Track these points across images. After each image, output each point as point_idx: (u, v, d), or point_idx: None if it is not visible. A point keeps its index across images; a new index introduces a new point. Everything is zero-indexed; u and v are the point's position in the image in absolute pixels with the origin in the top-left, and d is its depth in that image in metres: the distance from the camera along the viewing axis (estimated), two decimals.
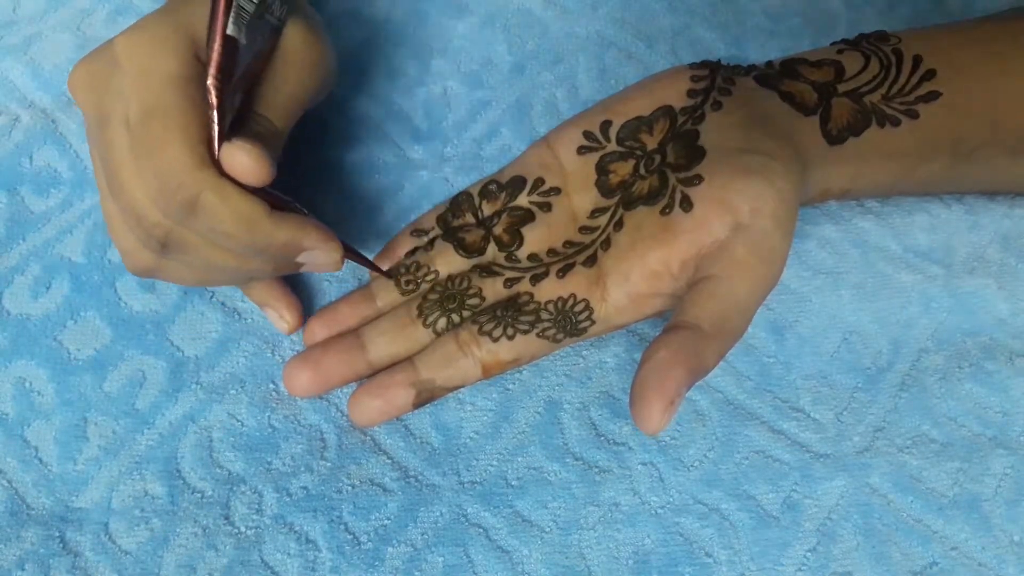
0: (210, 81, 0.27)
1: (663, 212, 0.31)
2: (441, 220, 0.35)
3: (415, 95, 0.39)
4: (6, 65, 0.40)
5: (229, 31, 0.27)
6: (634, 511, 0.31)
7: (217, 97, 0.27)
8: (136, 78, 0.27)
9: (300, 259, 0.30)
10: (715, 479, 0.31)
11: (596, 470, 0.31)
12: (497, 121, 0.39)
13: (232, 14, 0.27)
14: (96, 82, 0.29)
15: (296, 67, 0.31)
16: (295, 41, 0.31)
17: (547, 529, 0.30)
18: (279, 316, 0.33)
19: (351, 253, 0.32)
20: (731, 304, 0.29)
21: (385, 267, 0.34)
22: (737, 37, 0.40)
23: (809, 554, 0.30)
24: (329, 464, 0.32)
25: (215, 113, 0.27)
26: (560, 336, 0.31)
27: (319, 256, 0.30)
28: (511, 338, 0.31)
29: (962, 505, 0.31)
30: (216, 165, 0.27)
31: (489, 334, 0.31)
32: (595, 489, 0.31)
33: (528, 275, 0.32)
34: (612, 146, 0.33)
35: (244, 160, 0.27)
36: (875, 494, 0.31)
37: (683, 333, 0.28)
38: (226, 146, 0.27)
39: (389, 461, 0.32)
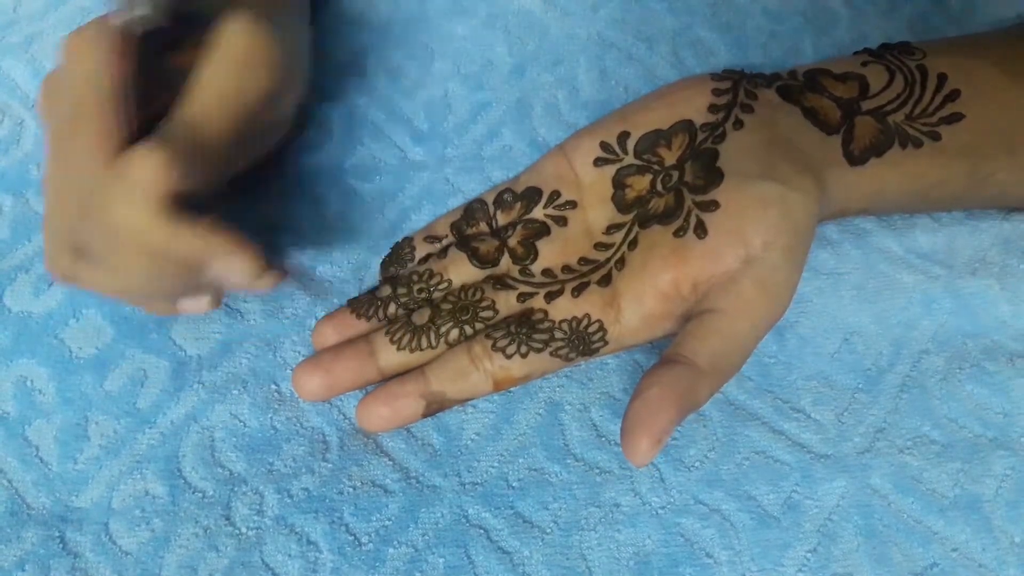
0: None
1: (676, 234, 0.31)
2: (454, 227, 0.35)
3: (416, 97, 0.39)
4: (7, 64, 0.40)
5: (139, 11, 0.27)
6: (635, 512, 0.31)
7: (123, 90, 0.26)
8: (69, 76, 0.27)
9: (212, 273, 0.27)
10: (716, 479, 0.31)
11: (597, 471, 0.31)
12: (498, 122, 0.39)
13: None
14: (50, 88, 0.29)
15: (231, 64, 0.28)
16: (231, 37, 0.29)
17: (548, 530, 0.30)
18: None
19: (292, 272, 0.29)
20: (731, 343, 0.29)
21: (389, 274, 0.34)
22: (738, 38, 0.40)
23: (810, 555, 0.30)
24: (330, 465, 0.32)
25: (122, 105, 0.26)
26: (573, 355, 0.31)
27: (232, 270, 0.27)
28: (524, 356, 0.31)
29: (963, 506, 0.31)
30: (123, 164, 0.26)
31: (503, 351, 0.31)
32: (596, 490, 0.31)
33: (543, 291, 0.32)
34: (629, 159, 0.33)
35: (148, 162, 0.25)
36: (876, 495, 0.31)
37: (678, 370, 0.28)
38: (135, 148, 0.25)
39: (390, 462, 0.32)
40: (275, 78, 0.30)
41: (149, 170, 0.25)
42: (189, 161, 0.26)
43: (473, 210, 0.35)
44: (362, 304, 0.33)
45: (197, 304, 0.31)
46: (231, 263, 0.27)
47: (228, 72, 0.28)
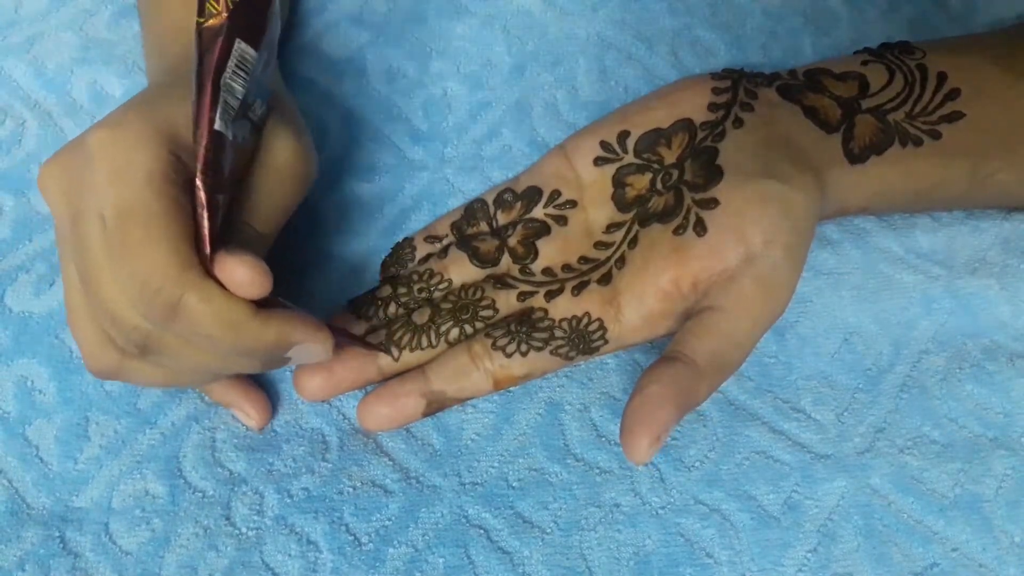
0: (198, 178, 0.25)
1: (676, 232, 0.31)
2: (455, 227, 0.35)
3: (415, 96, 0.39)
4: (9, 64, 0.40)
5: (216, 126, 0.25)
6: (635, 512, 0.31)
7: (206, 194, 0.25)
8: (111, 175, 0.25)
9: (289, 354, 0.28)
10: (716, 479, 0.31)
11: (597, 471, 0.31)
12: (497, 122, 0.39)
13: (219, 109, 0.25)
14: (68, 179, 0.27)
15: (284, 178, 0.29)
16: (284, 153, 0.29)
17: (548, 530, 0.30)
18: (245, 415, 0.32)
19: (340, 335, 0.30)
20: (731, 341, 0.29)
21: (389, 274, 0.35)
22: (738, 38, 0.40)
23: (810, 555, 0.30)
24: (330, 465, 0.32)
25: (204, 212, 0.25)
26: (573, 354, 0.31)
27: (309, 349, 0.28)
28: (524, 354, 0.31)
29: (963, 506, 0.31)
30: (198, 266, 0.25)
31: (503, 349, 0.31)
32: (596, 490, 0.31)
33: (543, 290, 0.32)
34: (629, 158, 0.33)
35: (242, 272, 0.25)
36: (876, 495, 0.31)
37: (677, 367, 0.28)
38: (225, 258, 0.25)
39: (390, 462, 0.32)
40: (311, 182, 0.31)
41: (244, 277, 0.25)
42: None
43: (473, 210, 0.35)
44: (363, 304, 0.33)
45: (248, 420, 0.32)
46: (311, 347, 0.28)
47: (280, 187, 0.29)
